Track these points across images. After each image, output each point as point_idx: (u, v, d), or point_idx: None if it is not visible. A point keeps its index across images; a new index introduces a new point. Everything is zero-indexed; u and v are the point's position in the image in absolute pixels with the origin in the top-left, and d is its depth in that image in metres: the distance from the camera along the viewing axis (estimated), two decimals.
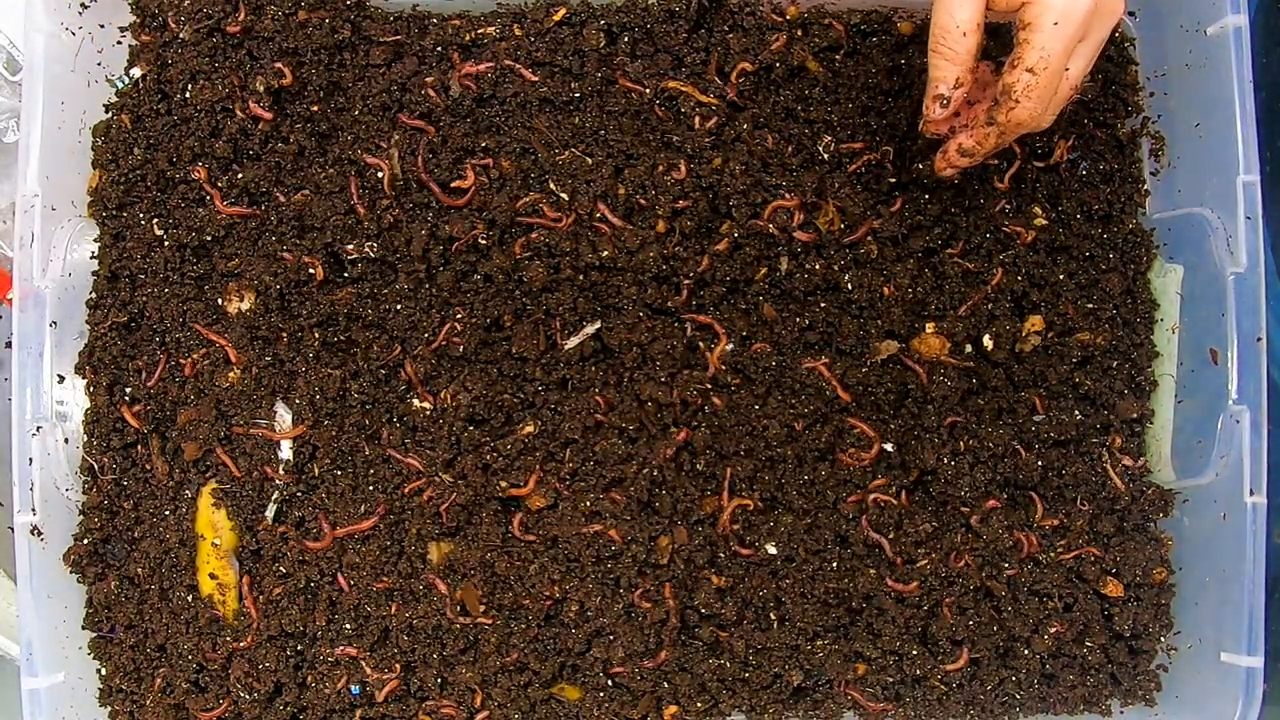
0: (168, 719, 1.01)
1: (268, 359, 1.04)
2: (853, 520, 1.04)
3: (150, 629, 1.02)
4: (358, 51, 1.08)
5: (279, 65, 1.03)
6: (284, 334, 1.04)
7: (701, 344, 1.05)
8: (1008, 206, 1.10)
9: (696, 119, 1.08)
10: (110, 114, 1.08)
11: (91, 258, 1.07)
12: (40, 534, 0.99)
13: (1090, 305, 1.11)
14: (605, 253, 1.04)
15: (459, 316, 1.04)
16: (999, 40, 1.04)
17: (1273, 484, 1.03)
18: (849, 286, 1.06)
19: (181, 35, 1.06)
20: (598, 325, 1.03)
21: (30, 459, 0.99)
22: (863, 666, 1.05)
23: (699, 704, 1.03)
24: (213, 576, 1.01)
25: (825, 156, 1.09)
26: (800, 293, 1.06)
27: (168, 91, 1.07)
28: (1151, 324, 1.12)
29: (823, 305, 1.06)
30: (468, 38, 1.09)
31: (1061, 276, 1.10)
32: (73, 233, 1.05)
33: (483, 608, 1.01)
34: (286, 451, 1.03)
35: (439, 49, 1.09)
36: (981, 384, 1.08)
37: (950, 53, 0.90)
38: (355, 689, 1.01)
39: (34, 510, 0.99)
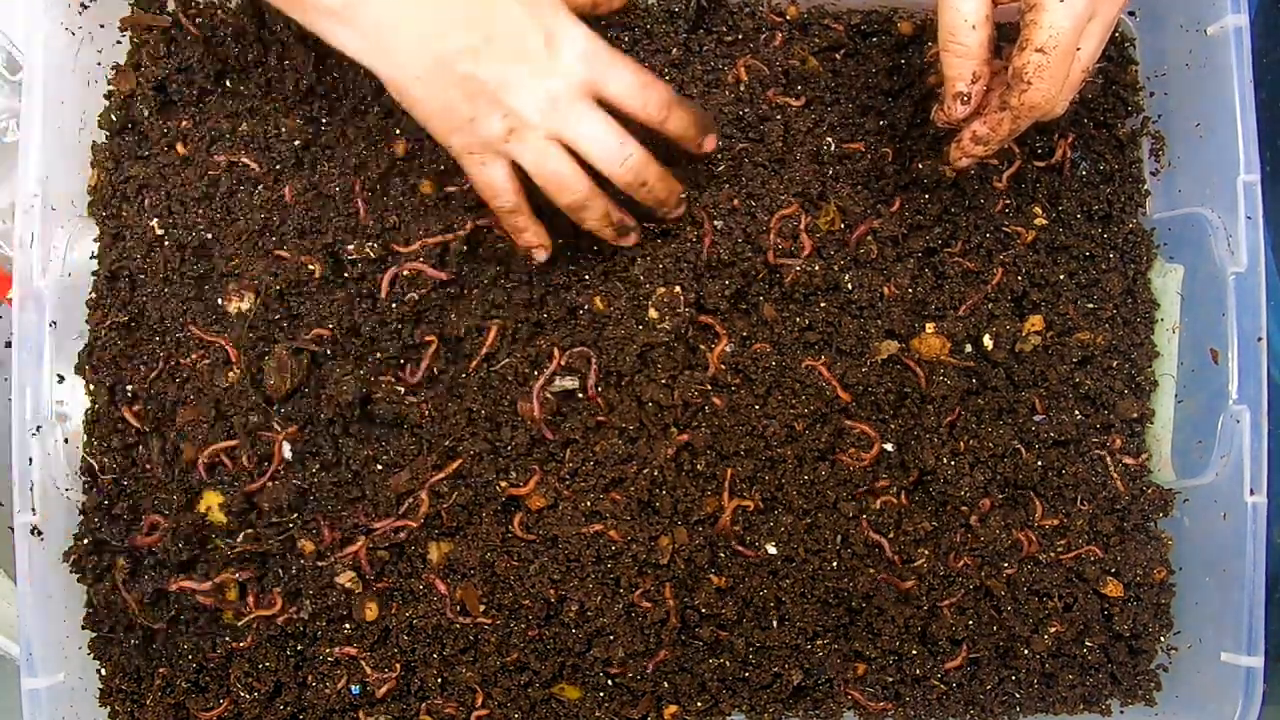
0: (168, 719, 1.01)
1: None
2: (853, 520, 1.04)
3: (150, 629, 1.02)
4: None
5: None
6: (284, 334, 1.04)
7: (701, 345, 1.05)
8: (1008, 206, 1.10)
9: None
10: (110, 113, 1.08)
11: (91, 258, 1.07)
12: (40, 534, 0.99)
13: (1090, 305, 1.11)
14: None
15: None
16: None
17: (1273, 484, 1.03)
18: (849, 286, 1.06)
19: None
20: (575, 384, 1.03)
21: (30, 459, 0.99)
22: (863, 666, 1.05)
23: (699, 704, 1.03)
24: None
25: (825, 157, 1.09)
26: (800, 293, 1.06)
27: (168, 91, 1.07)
28: (1151, 324, 1.12)
29: (823, 305, 1.06)
30: None
31: (1061, 276, 1.10)
32: (73, 233, 1.05)
33: (483, 608, 1.01)
34: (287, 451, 1.03)
35: None
36: (981, 384, 1.08)
37: (962, 48, 0.89)
38: (355, 689, 1.01)
39: (34, 510, 0.98)
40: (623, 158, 0.93)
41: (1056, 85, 0.88)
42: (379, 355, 1.04)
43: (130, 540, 1.01)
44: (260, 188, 1.06)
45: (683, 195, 1.00)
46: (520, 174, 0.94)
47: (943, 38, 0.90)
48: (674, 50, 1.09)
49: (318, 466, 1.02)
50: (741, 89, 1.08)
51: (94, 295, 1.06)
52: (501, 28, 0.87)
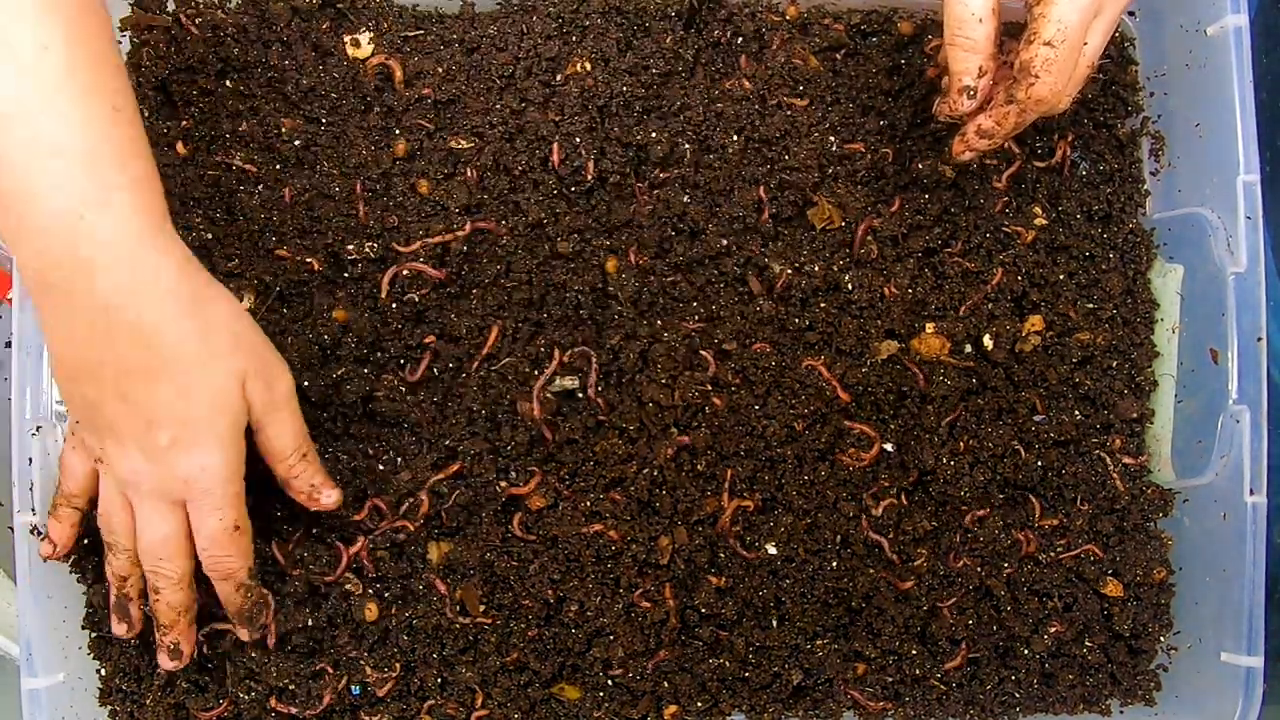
0: (168, 719, 1.01)
1: None
2: (853, 520, 1.04)
3: (150, 628, 1.02)
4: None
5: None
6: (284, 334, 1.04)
7: (701, 347, 1.05)
8: (1008, 206, 1.10)
9: None
10: None
11: None
12: (40, 534, 0.99)
13: (1090, 305, 1.11)
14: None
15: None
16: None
17: (1273, 484, 1.03)
18: (849, 286, 1.06)
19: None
20: (576, 383, 1.03)
21: (30, 459, 0.99)
22: (863, 666, 1.05)
23: (699, 704, 1.03)
24: None
25: (826, 156, 1.09)
26: (800, 293, 1.06)
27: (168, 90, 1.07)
28: (1151, 324, 1.12)
29: (822, 305, 1.06)
30: (468, 37, 1.09)
31: (1061, 276, 1.10)
32: None
33: (483, 608, 1.01)
34: None
35: (441, 48, 1.09)
36: (981, 384, 1.08)
37: (969, 42, 0.89)
38: (355, 689, 1.01)
39: (34, 510, 0.98)
40: (154, 563, 0.89)
41: (1063, 79, 0.88)
42: (379, 355, 1.04)
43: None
44: (260, 188, 1.06)
45: (180, 651, 0.93)
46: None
47: (949, 31, 0.90)
48: (672, 47, 1.09)
49: None
50: (746, 89, 1.09)
51: None
52: (146, 393, 0.81)
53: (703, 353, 1.05)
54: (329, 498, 0.94)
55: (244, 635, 0.94)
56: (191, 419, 0.82)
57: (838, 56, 1.12)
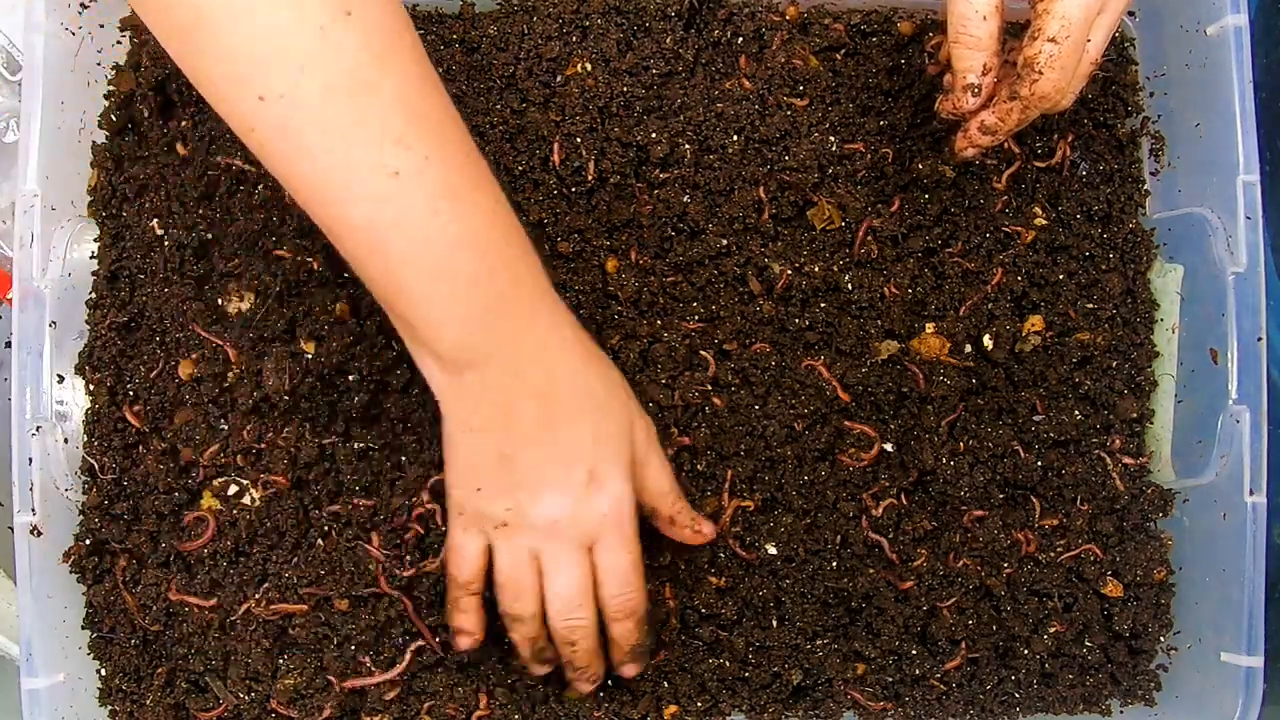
0: (167, 719, 1.01)
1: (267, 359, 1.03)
2: (853, 520, 1.04)
3: (150, 629, 1.02)
4: None
5: None
6: (284, 334, 1.04)
7: (701, 347, 1.05)
8: (1008, 206, 1.10)
9: None
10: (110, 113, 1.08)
11: (91, 258, 1.07)
12: (40, 534, 0.99)
13: (1090, 305, 1.11)
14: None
15: None
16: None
17: (1273, 484, 1.03)
18: (849, 286, 1.06)
19: None
20: None
21: (30, 459, 0.99)
22: (862, 666, 1.05)
23: (699, 704, 1.03)
24: None
25: (826, 157, 1.09)
26: (800, 293, 1.06)
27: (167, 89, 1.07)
28: (1151, 324, 1.12)
29: (822, 305, 1.06)
30: (468, 37, 1.09)
31: (1061, 276, 1.10)
32: (73, 233, 1.05)
33: None
34: None
35: (441, 48, 1.09)
36: (981, 384, 1.08)
37: (973, 39, 0.90)
38: None
39: (34, 510, 0.98)
40: (570, 613, 0.92)
41: (1067, 75, 0.89)
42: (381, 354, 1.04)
43: (130, 540, 1.01)
44: (260, 187, 1.06)
45: (596, 678, 0.96)
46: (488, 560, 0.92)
47: (953, 30, 0.90)
48: (672, 47, 1.09)
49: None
50: (746, 89, 1.09)
51: (94, 295, 1.06)
52: (564, 436, 0.87)
53: (703, 353, 1.05)
54: (709, 527, 0.98)
55: (629, 672, 0.96)
56: (604, 455, 0.88)
57: (838, 56, 1.12)
